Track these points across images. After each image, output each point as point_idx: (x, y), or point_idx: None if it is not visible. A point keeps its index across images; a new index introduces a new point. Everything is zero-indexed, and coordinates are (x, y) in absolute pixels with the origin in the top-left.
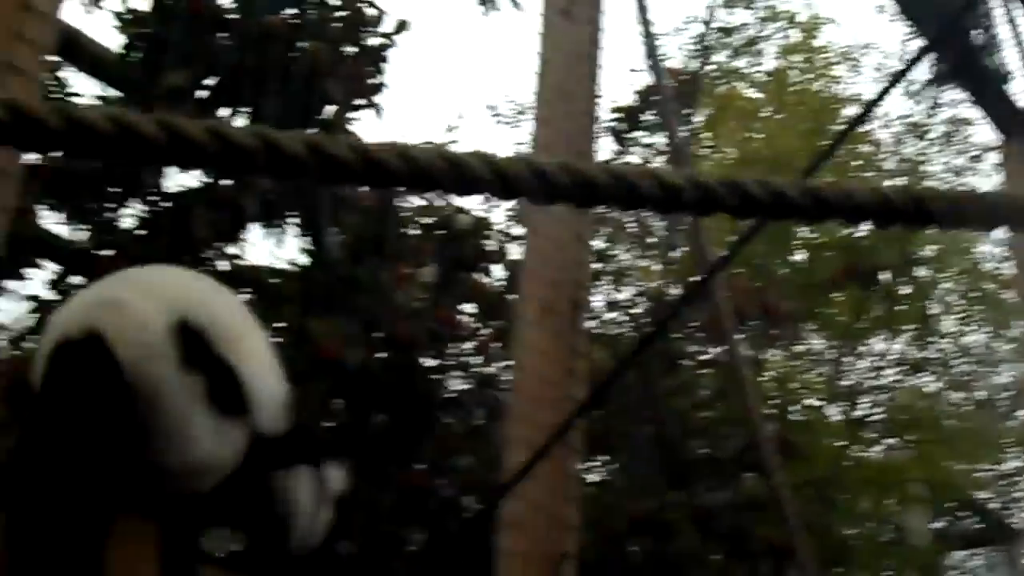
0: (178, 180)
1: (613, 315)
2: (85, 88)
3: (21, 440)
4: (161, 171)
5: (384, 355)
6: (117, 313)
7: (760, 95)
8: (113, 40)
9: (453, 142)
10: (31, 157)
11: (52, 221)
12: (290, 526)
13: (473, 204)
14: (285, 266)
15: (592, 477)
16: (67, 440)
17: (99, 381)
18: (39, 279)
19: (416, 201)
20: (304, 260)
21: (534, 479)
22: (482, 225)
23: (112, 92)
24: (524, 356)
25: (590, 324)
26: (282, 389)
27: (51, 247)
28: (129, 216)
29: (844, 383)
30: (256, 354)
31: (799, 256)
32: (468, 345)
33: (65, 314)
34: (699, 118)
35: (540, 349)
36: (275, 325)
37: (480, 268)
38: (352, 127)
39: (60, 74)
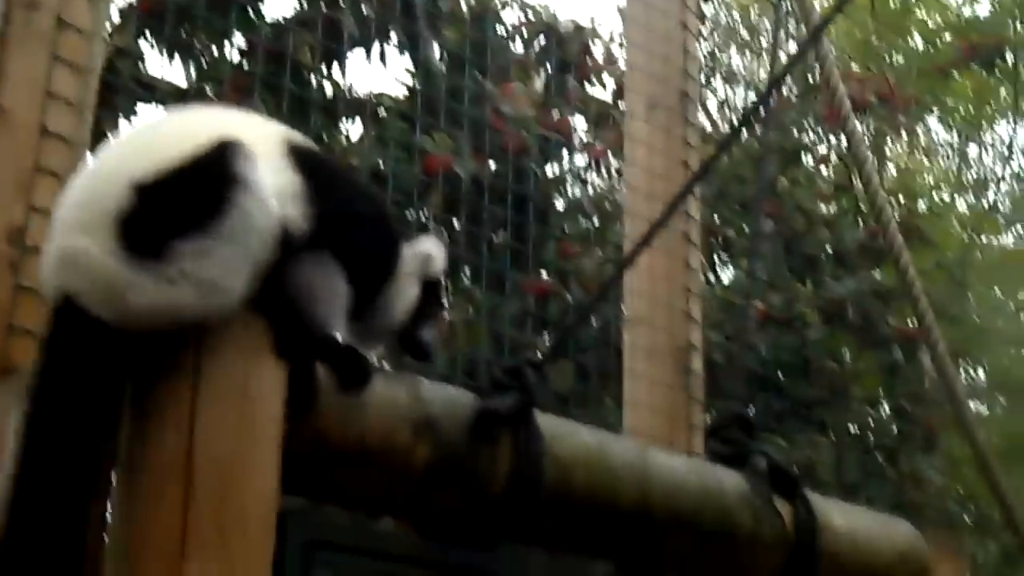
0: (277, 9)
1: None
2: None
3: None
4: None
5: (495, 166)
6: (74, 268)
7: None
8: None
9: None
10: None
11: (154, 61)
12: (301, 309)
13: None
14: (389, 86)
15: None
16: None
17: (90, 357)
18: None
19: (517, 13)
20: (407, 79)
21: (655, 275)
22: (586, 30)
23: None
24: (634, 151)
25: (704, 125)
26: (295, 178)
27: (153, 88)
28: (232, 49)
29: (970, 175)
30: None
31: (917, 40)
32: (582, 159)
33: (44, 266)
34: None
35: (650, 143)
36: (384, 145)
37: (588, 79)
38: None
39: None
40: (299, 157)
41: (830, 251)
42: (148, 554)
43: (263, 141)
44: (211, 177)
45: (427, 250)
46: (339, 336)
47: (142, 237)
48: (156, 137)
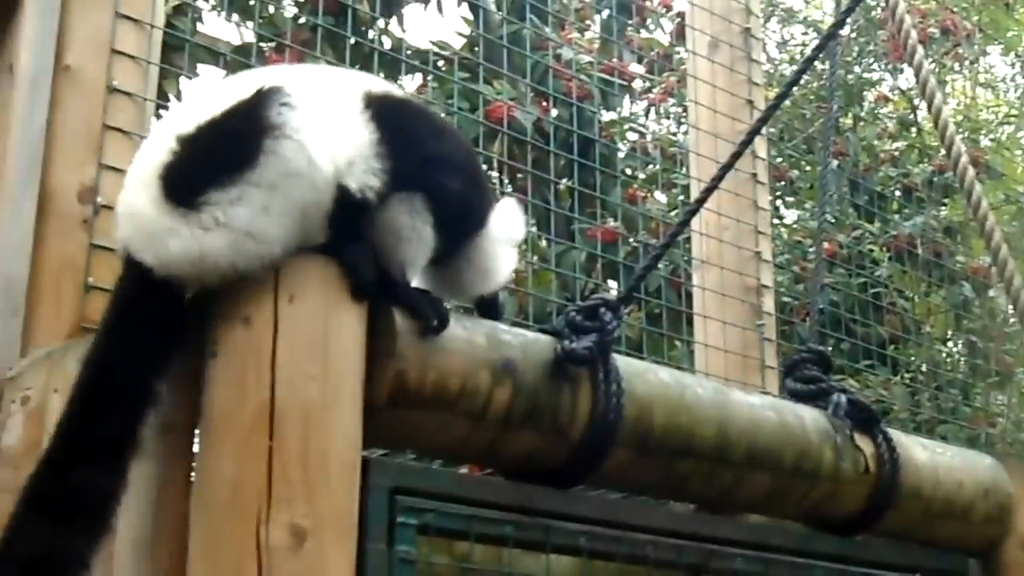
0: None
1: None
2: None
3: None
4: None
5: (556, 112)
6: (128, 220)
7: None
8: None
9: None
10: None
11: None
12: (383, 253)
13: None
14: (447, 35)
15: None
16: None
17: (138, 300)
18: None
19: None
20: (464, 28)
21: (724, 217)
22: None
23: None
24: (698, 91)
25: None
26: (372, 127)
27: (211, 50)
28: (288, 6)
29: None
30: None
31: None
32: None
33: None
34: None
35: (713, 82)
36: (447, 95)
37: (646, 23)
38: None
39: None
40: (382, 106)
41: (896, 189)
42: (235, 504)
43: (336, 93)
44: (245, 125)
45: (513, 216)
46: (414, 282)
47: (179, 187)
48: (213, 95)
